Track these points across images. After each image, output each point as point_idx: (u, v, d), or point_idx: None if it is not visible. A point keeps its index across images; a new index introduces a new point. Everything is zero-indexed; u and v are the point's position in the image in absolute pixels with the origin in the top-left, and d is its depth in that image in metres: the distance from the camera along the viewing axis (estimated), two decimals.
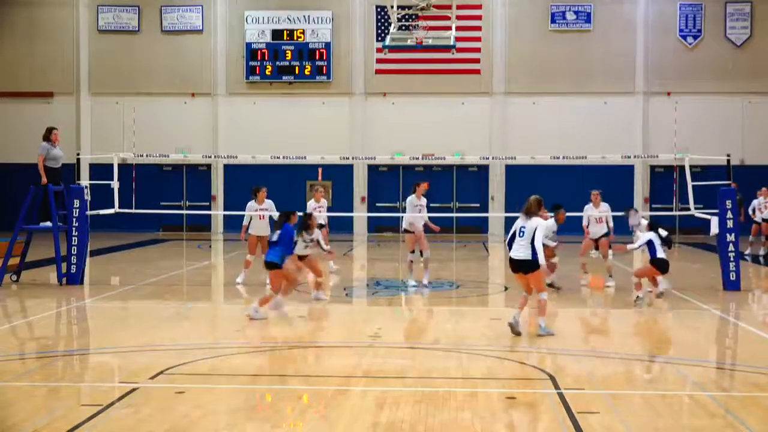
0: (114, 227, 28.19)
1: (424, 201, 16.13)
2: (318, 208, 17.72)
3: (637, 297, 13.89)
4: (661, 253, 13.76)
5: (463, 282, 16.70)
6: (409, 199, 16.12)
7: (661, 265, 13.82)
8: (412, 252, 16.34)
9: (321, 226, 17.75)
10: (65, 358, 9.87)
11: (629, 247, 14.37)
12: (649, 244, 13.82)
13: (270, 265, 12.49)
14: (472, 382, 8.74)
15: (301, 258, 13.74)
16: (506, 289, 16.01)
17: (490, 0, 30.76)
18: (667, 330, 12.43)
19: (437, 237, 20.57)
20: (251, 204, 15.96)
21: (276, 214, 16.37)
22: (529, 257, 10.92)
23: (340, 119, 31.05)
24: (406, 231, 16.18)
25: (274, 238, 12.49)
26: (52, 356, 9.91)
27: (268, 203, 16.08)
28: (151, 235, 29.42)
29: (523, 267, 11.03)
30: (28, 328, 12.04)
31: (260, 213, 15.97)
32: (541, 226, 10.97)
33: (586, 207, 16.53)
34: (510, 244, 11.34)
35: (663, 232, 14.03)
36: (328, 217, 18.45)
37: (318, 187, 18.41)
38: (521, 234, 11.01)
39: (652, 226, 14.16)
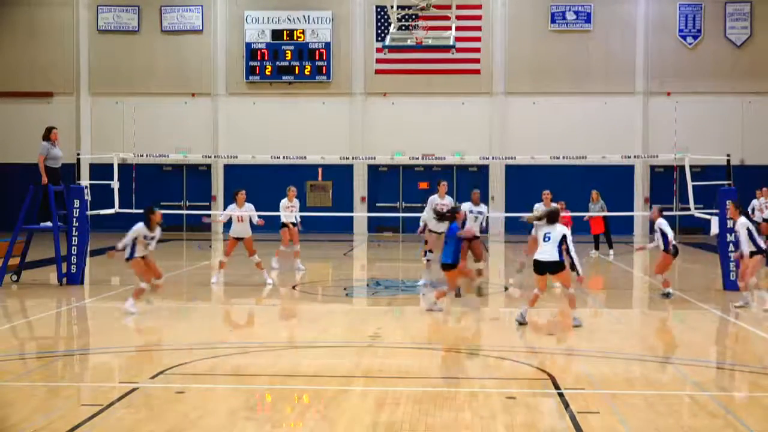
0: (114, 227, 28.10)
1: (448, 200, 16.07)
2: (290, 207, 18.28)
3: (668, 293, 14.24)
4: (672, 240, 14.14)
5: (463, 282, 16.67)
6: (431, 198, 16.01)
7: (676, 251, 14.16)
8: (431, 251, 16.24)
9: (292, 225, 18.55)
10: (65, 358, 9.87)
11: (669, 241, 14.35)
12: (664, 235, 14.12)
13: (446, 266, 12.94)
14: (472, 382, 8.74)
15: (142, 258, 12.97)
16: (506, 289, 16.00)
17: (490, 0, 30.76)
18: (667, 330, 12.43)
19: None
20: (232, 206, 16.24)
21: (255, 216, 16.34)
22: (557, 259, 11.55)
23: (340, 119, 31.05)
24: (431, 231, 15.98)
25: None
26: (52, 356, 9.91)
27: (248, 206, 16.28)
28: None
29: (550, 268, 11.59)
30: (28, 328, 12.04)
31: (239, 215, 16.16)
32: (568, 232, 11.73)
33: (537, 206, 16.83)
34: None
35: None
36: (302, 216, 19.01)
37: (291, 187, 18.89)
38: (547, 239, 11.63)
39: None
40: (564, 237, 11.58)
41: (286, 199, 18.45)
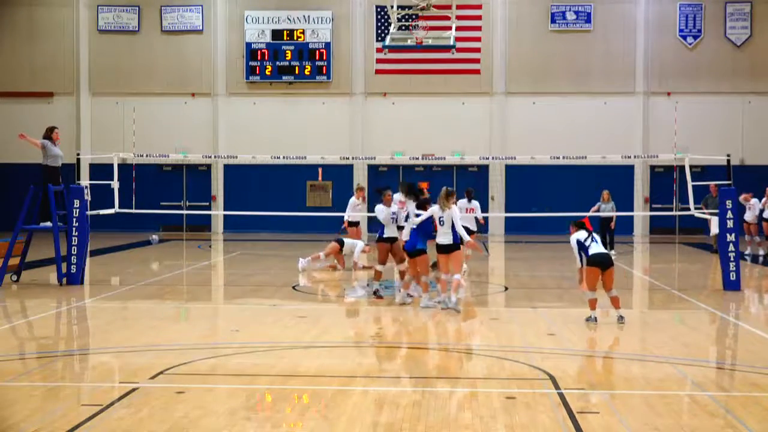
0: (114, 227, 28.18)
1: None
2: None
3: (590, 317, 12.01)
4: (595, 249, 11.71)
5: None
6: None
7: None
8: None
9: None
10: (65, 358, 9.87)
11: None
12: (580, 245, 11.84)
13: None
14: (472, 382, 8.74)
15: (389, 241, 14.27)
16: (506, 289, 16.00)
17: (490, 0, 30.76)
18: (667, 330, 12.42)
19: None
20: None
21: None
22: (451, 241, 12.82)
23: (340, 119, 31.04)
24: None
25: None
26: (52, 356, 9.91)
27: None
28: (151, 235, 29.37)
29: (447, 250, 12.84)
30: (28, 328, 12.04)
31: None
32: (457, 213, 12.82)
33: (461, 202, 17.77)
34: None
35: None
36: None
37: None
38: (441, 222, 12.80)
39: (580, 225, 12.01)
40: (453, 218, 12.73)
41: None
